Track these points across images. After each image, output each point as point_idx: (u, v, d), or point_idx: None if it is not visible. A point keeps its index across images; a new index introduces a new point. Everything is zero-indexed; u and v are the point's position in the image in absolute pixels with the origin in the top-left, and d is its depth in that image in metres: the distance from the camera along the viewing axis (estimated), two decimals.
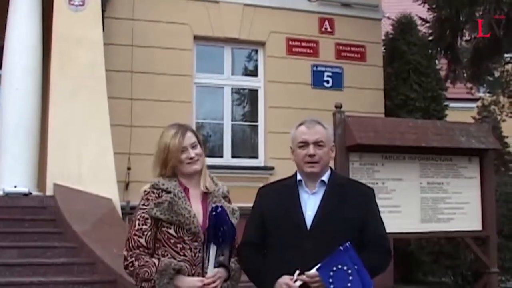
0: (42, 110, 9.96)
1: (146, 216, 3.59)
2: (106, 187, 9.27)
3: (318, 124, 3.82)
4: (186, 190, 3.70)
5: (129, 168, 10.91)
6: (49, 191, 9.19)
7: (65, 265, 7.94)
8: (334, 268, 3.39)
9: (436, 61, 14.20)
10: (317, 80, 12.97)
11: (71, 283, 7.52)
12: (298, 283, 3.47)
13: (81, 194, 9.06)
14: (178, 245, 3.57)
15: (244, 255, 3.78)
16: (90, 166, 9.42)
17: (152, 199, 3.62)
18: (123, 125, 11.11)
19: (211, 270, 3.57)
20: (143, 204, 3.64)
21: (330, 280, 3.38)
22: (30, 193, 9.38)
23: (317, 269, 3.42)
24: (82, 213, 8.75)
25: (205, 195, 3.74)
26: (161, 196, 3.62)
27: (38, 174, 9.80)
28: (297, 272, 3.49)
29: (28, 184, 9.46)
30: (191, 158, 3.68)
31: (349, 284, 3.39)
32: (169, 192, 3.62)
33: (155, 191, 3.65)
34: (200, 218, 3.64)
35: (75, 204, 8.88)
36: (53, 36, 9.90)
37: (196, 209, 3.66)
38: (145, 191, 3.71)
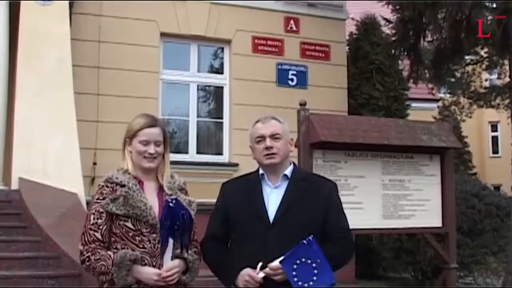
0: (8, 105, 9.92)
1: (101, 210, 3.59)
2: (72, 181, 9.26)
3: (273, 118, 3.90)
4: (140, 183, 3.71)
5: (95, 163, 10.91)
6: (14, 185, 9.14)
7: (30, 259, 7.92)
8: (298, 261, 3.43)
9: (399, 61, 14.38)
10: (282, 78, 13.08)
11: (35, 277, 7.49)
12: (261, 274, 3.52)
13: (46, 189, 9.03)
14: (137, 238, 3.57)
15: (207, 248, 3.82)
16: (55, 161, 9.40)
17: (106, 193, 3.62)
18: (90, 121, 11.12)
19: (167, 263, 3.57)
20: (97, 199, 3.63)
21: (294, 273, 3.42)
22: None
23: (280, 262, 3.47)
24: (47, 207, 8.74)
25: (161, 188, 3.76)
26: (116, 190, 3.62)
27: (4, 168, 9.76)
28: (260, 264, 3.54)
29: None
30: (150, 154, 3.70)
31: (314, 278, 3.44)
32: (124, 186, 3.62)
33: (109, 185, 3.65)
34: (156, 210, 3.65)
35: (40, 198, 8.86)
36: (19, 31, 9.86)
37: (152, 201, 3.67)
38: (99, 185, 3.72)
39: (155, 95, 12.12)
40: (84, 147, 10.18)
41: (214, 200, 3.99)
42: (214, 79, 13.08)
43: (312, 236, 3.46)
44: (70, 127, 9.67)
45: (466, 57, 15.66)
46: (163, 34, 12.39)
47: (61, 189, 9.10)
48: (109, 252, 3.53)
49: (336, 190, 3.96)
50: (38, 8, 9.97)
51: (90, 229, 3.58)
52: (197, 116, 12.81)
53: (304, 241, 3.43)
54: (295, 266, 3.43)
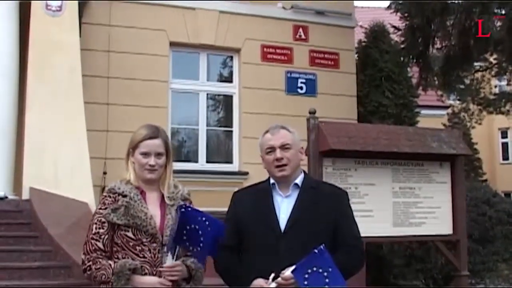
0: (19, 115, 9.94)
1: (103, 220, 3.62)
2: (82, 191, 9.25)
3: (282, 128, 3.88)
4: (142, 193, 3.73)
5: (105, 173, 10.93)
6: (25, 195, 9.15)
7: (41, 268, 7.91)
8: (309, 271, 3.41)
9: (408, 69, 14.36)
10: (291, 86, 13.09)
11: (46, 287, 7.49)
12: (273, 285, 3.50)
13: (57, 198, 9.03)
14: (137, 247, 3.59)
15: (219, 258, 3.78)
16: (66, 170, 9.41)
17: (108, 203, 3.65)
18: (100, 130, 11.13)
19: (169, 262, 3.57)
20: (100, 208, 3.67)
21: (305, 283, 3.41)
22: (6, 197, 9.34)
23: (292, 271, 3.45)
24: (58, 217, 8.72)
25: (163, 198, 3.76)
26: (117, 200, 3.65)
27: (14, 178, 9.76)
28: (272, 275, 3.51)
29: (4, 188, 9.45)
30: (151, 166, 3.71)
31: (325, 287, 3.41)
32: (125, 196, 3.65)
33: (111, 195, 3.68)
34: (157, 220, 3.66)
35: (51, 208, 8.86)
36: (30, 41, 9.88)
37: (154, 211, 3.68)
38: (102, 195, 3.76)
39: (165, 104, 12.14)
40: (94, 157, 10.18)
41: (224, 209, 3.98)
42: (223, 88, 13.09)
43: (323, 245, 3.44)
44: (80, 136, 9.68)
45: (475, 64, 15.67)
46: (172, 44, 12.43)
47: (71, 199, 9.08)
48: (109, 262, 3.56)
49: (347, 198, 3.96)
50: (48, 18, 10.00)
51: (92, 238, 3.61)
52: (207, 125, 12.81)
53: (316, 250, 3.41)
54: (306, 276, 3.41)
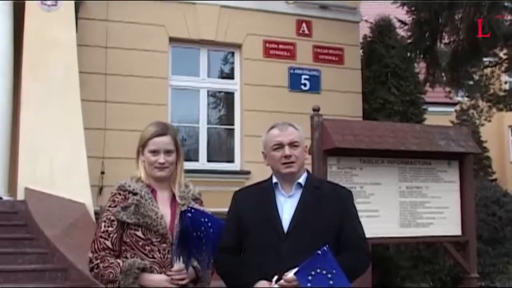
0: (13, 113, 9.87)
1: (112, 218, 3.58)
2: (79, 191, 9.20)
3: (290, 125, 3.86)
4: (153, 192, 3.69)
5: (102, 172, 10.84)
6: (20, 196, 9.08)
7: (37, 271, 7.86)
8: (313, 272, 3.35)
9: (415, 64, 14.23)
10: (294, 83, 12.96)
11: None
12: (276, 286, 3.47)
13: (53, 199, 8.97)
14: (147, 247, 3.56)
15: (220, 259, 3.71)
16: (62, 170, 9.32)
17: (118, 201, 3.62)
18: (97, 129, 11.02)
19: (177, 265, 3.52)
20: (109, 206, 3.64)
21: (309, 285, 3.35)
22: (1, 198, 9.34)
23: (294, 273, 3.40)
24: (54, 218, 8.68)
25: (174, 197, 3.73)
26: (128, 198, 3.61)
27: (9, 178, 9.71)
28: (276, 277, 3.48)
29: None
30: (160, 164, 3.67)
31: None
32: (136, 194, 3.61)
33: (121, 192, 3.65)
34: (168, 219, 3.63)
35: (47, 209, 8.81)
36: (24, 38, 9.80)
37: (164, 211, 3.65)
38: (111, 192, 3.71)
39: (164, 101, 12.02)
40: (92, 156, 10.12)
41: (226, 209, 3.92)
42: (224, 85, 12.97)
43: (327, 246, 3.37)
44: (77, 135, 9.60)
45: (484, 59, 15.55)
46: (172, 39, 12.29)
47: (68, 199, 9.02)
48: (118, 260, 3.53)
49: (352, 198, 3.93)
50: (43, 14, 9.93)
51: (101, 236, 3.58)
52: (208, 123, 12.70)
53: (319, 252, 3.34)
54: (310, 278, 3.35)
